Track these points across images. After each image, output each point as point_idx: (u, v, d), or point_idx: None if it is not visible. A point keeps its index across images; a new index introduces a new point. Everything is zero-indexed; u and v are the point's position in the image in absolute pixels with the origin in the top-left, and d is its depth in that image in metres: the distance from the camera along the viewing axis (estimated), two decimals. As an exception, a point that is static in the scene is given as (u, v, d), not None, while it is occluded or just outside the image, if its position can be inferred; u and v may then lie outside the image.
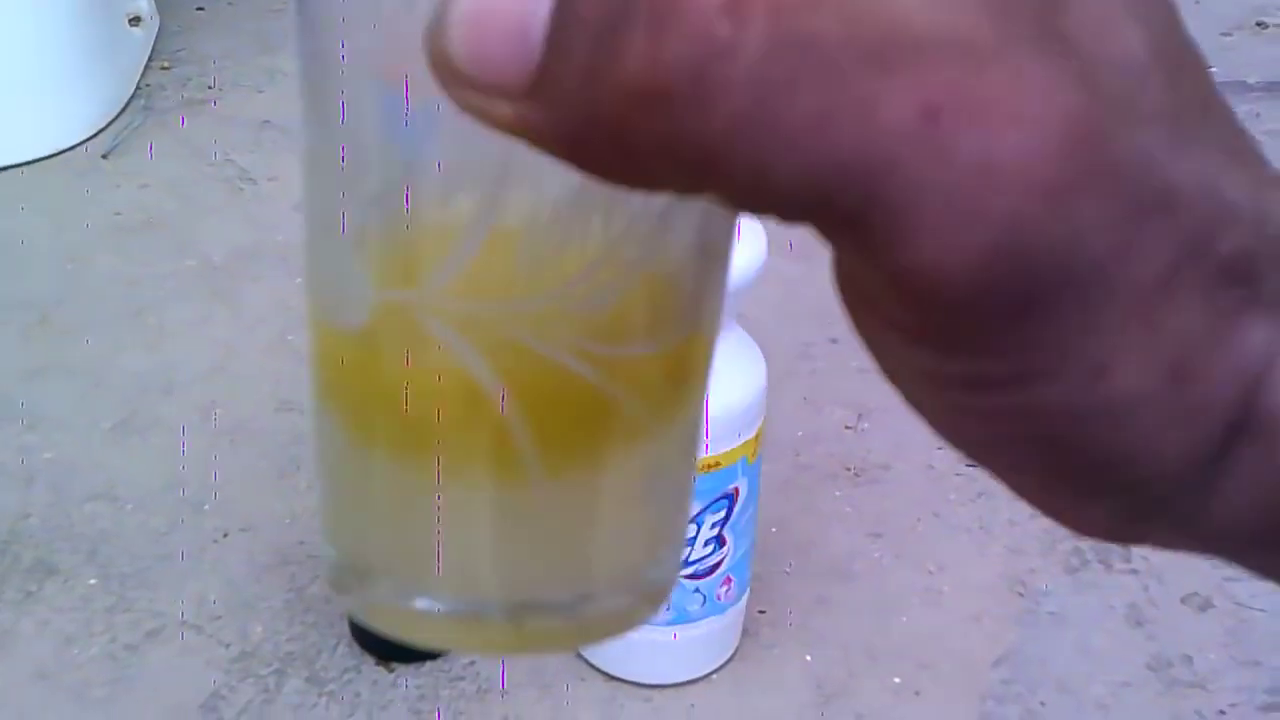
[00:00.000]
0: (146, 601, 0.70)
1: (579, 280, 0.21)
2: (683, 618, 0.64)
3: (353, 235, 0.22)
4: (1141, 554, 0.74)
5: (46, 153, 1.08)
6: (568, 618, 0.24)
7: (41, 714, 0.65)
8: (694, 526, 0.61)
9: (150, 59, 1.20)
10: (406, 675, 0.67)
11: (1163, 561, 0.73)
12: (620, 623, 0.25)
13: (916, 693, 0.67)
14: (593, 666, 0.67)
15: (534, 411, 0.22)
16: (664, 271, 0.22)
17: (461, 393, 0.22)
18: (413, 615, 0.24)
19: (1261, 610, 0.71)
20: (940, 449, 0.77)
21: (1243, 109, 1.14)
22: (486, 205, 0.21)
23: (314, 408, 0.25)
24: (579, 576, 0.25)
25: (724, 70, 0.16)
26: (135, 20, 1.18)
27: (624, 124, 0.17)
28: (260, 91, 1.17)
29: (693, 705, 0.66)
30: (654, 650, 0.66)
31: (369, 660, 0.67)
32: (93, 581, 0.72)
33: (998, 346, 0.18)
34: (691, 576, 0.63)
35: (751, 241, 0.55)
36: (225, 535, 0.74)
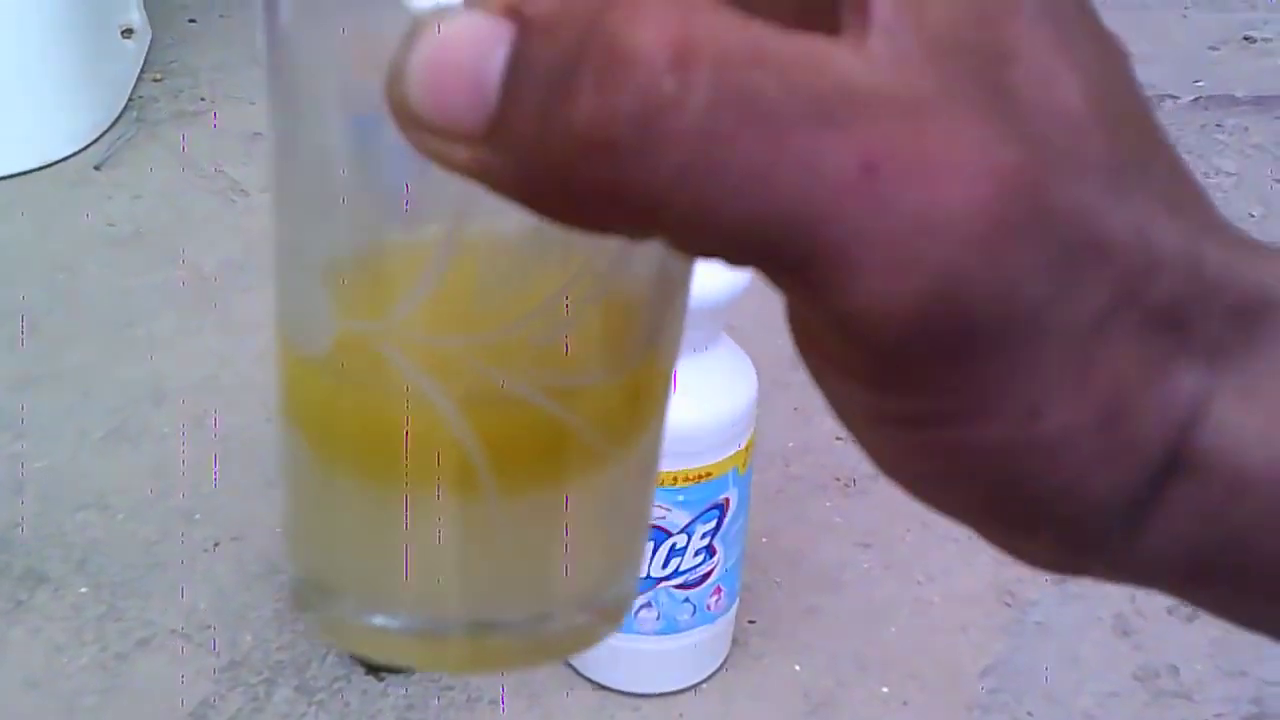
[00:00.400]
0: (137, 610, 0.70)
1: (537, 313, 0.22)
2: (672, 627, 0.65)
3: (316, 266, 0.23)
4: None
5: (39, 164, 1.08)
6: (526, 636, 0.25)
7: (31, 723, 0.65)
8: (685, 536, 0.62)
9: (142, 71, 1.20)
10: (396, 685, 0.67)
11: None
12: (579, 641, 0.26)
13: (904, 702, 0.67)
14: (582, 676, 0.67)
15: (492, 440, 0.22)
16: (622, 304, 0.23)
17: (421, 421, 0.22)
18: (372, 631, 0.25)
19: (1247, 620, 0.71)
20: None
21: (1230, 123, 1.15)
22: (446, 240, 0.21)
23: (279, 426, 0.25)
24: (538, 596, 0.25)
25: (669, 123, 0.17)
26: (128, 32, 1.19)
27: (573, 171, 0.17)
28: (252, 103, 1.17)
29: (682, 715, 0.66)
30: (643, 660, 0.66)
31: (358, 670, 0.67)
32: (83, 590, 0.72)
33: (934, 386, 0.18)
34: (681, 586, 0.63)
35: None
36: (216, 544, 0.74)
